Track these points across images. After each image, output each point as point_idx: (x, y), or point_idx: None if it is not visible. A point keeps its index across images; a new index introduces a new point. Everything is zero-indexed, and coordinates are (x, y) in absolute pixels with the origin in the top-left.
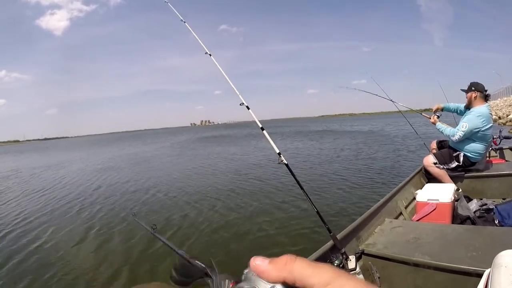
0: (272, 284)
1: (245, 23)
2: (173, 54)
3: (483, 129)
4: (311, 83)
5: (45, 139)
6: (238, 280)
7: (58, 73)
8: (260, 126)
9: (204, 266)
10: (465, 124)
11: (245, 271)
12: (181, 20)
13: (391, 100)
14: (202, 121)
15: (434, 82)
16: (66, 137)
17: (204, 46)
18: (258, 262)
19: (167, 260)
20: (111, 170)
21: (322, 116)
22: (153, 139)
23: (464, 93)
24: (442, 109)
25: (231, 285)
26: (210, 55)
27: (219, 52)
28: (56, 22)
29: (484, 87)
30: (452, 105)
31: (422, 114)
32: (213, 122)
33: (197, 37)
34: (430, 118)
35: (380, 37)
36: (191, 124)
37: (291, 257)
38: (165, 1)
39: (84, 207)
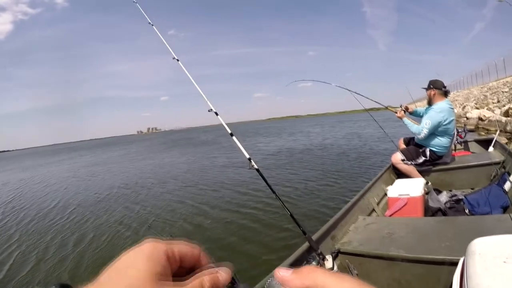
0: None
1: (192, 29)
2: (122, 59)
3: (444, 123)
4: (258, 86)
5: None
6: None
7: None
8: (230, 132)
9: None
10: (428, 122)
11: (268, 280)
12: (149, 23)
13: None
14: (149, 128)
15: (377, 85)
16: (7, 151)
17: (171, 51)
18: (283, 273)
19: None
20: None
21: (269, 119)
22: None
23: (425, 90)
24: (412, 113)
25: None
26: (178, 60)
27: (167, 57)
28: None
29: (443, 84)
30: (419, 109)
31: (388, 108)
32: (160, 129)
33: (165, 42)
34: (397, 113)
35: (326, 42)
36: (138, 132)
37: (313, 268)
38: (134, 1)
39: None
